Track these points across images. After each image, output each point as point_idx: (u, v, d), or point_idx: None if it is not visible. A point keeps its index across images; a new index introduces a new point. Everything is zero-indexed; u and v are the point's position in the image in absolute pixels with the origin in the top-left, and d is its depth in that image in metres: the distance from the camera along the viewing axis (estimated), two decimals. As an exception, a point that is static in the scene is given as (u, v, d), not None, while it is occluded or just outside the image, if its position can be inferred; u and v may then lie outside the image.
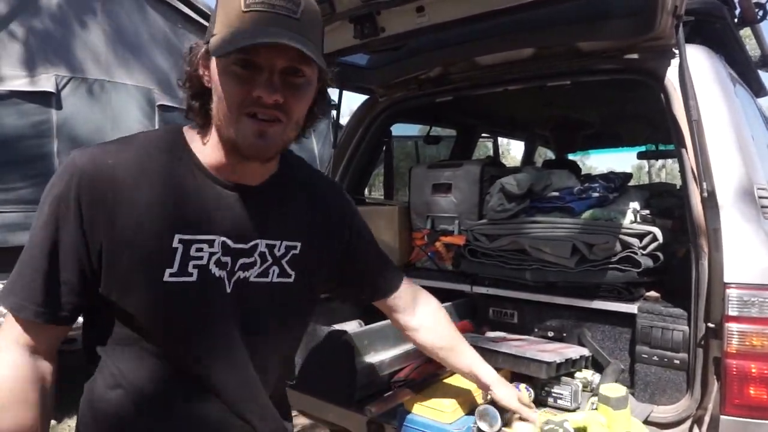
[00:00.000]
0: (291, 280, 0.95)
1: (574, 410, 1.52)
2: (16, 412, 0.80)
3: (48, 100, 3.31)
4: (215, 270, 0.86)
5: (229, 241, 0.87)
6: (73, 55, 3.48)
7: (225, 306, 0.88)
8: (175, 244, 0.83)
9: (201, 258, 0.85)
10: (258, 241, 0.91)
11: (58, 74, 3.37)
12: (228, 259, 0.87)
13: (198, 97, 0.87)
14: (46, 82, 3.30)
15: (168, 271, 0.82)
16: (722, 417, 1.35)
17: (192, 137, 0.90)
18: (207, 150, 0.88)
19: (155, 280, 0.82)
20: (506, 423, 1.33)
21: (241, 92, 0.79)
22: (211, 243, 0.85)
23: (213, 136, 0.87)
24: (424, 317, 1.27)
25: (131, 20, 3.85)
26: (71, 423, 3.54)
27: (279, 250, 0.93)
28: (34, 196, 3.22)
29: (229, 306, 0.88)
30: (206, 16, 4.23)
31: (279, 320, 0.96)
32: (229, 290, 0.88)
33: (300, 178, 1.01)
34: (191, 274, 0.84)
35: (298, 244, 0.96)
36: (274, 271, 0.93)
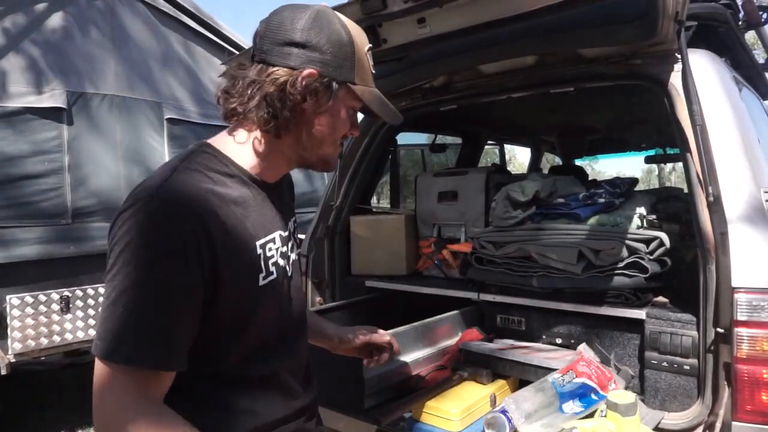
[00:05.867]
0: (295, 253, 1.05)
1: (583, 417, 1.51)
2: None
3: (59, 115, 3.37)
4: (281, 261, 0.95)
5: (282, 233, 0.96)
6: (84, 71, 3.55)
7: (291, 288, 0.99)
8: (258, 251, 0.88)
9: (273, 256, 0.92)
10: (289, 224, 1.02)
11: (68, 90, 3.43)
12: (285, 248, 0.97)
13: (273, 111, 0.87)
14: (57, 98, 3.37)
15: (260, 276, 0.89)
16: (734, 423, 1.33)
17: (223, 146, 0.91)
18: (245, 155, 0.91)
19: (254, 288, 0.87)
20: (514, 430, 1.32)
21: (347, 127, 0.96)
22: (274, 240, 0.93)
23: (259, 145, 0.90)
24: None
25: (140, 36, 3.92)
26: (84, 435, 3.55)
27: (290, 229, 1.04)
28: (46, 211, 3.26)
29: (293, 287, 1.00)
30: (215, 31, 4.28)
31: (299, 287, 1.07)
32: (290, 273, 0.99)
33: None
34: (272, 273, 0.91)
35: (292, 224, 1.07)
36: (294, 247, 1.04)
